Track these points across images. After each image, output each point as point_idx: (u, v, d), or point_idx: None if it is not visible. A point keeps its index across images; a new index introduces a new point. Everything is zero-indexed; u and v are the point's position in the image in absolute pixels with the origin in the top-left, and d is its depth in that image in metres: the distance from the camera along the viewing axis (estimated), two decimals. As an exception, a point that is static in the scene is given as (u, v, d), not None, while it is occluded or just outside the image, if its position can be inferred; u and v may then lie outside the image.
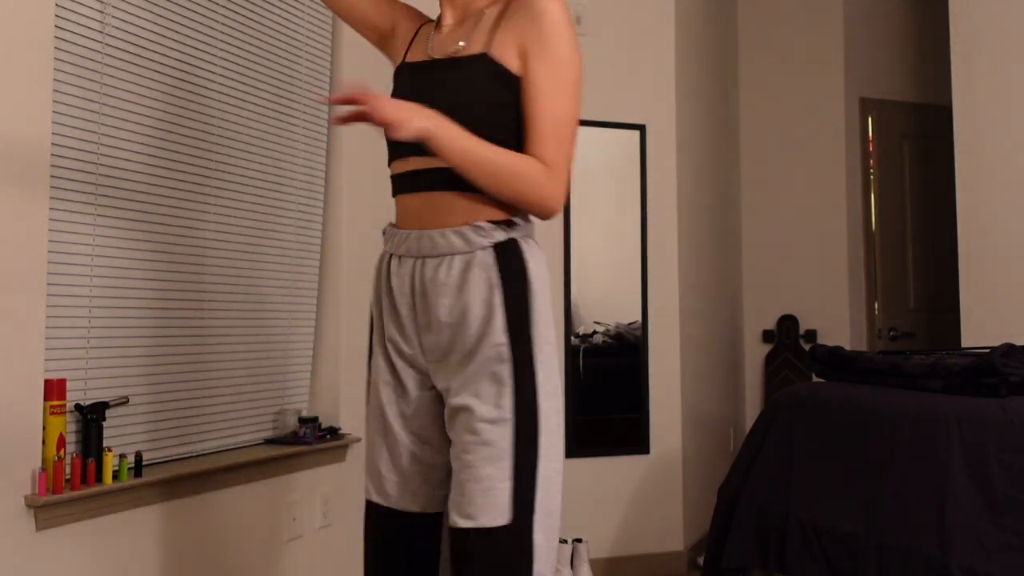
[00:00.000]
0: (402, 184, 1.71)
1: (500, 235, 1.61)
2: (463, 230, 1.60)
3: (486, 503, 1.54)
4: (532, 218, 1.68)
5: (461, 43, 1.68)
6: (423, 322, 1.64)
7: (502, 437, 1.56)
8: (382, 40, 1.91)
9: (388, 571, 1.70)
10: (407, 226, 1.69)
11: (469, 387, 1.59)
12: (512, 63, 1.62)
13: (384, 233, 1.76)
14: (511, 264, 1.60)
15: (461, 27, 1.71)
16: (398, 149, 1.68)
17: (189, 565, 2.43)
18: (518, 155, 1.60)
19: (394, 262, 1.69)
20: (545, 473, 1.58)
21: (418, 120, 1.54)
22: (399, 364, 1.69)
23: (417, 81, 1.71)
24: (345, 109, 1.81)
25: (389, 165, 1.75)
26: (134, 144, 2.36)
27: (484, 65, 1.62)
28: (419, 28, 1.83)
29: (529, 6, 1.62)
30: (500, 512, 1.54)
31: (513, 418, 1.56)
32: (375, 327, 1.75)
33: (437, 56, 1.71)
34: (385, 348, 1.71)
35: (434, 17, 1.84)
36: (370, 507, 1.73)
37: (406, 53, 1.80)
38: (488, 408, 1.56)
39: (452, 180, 1.61)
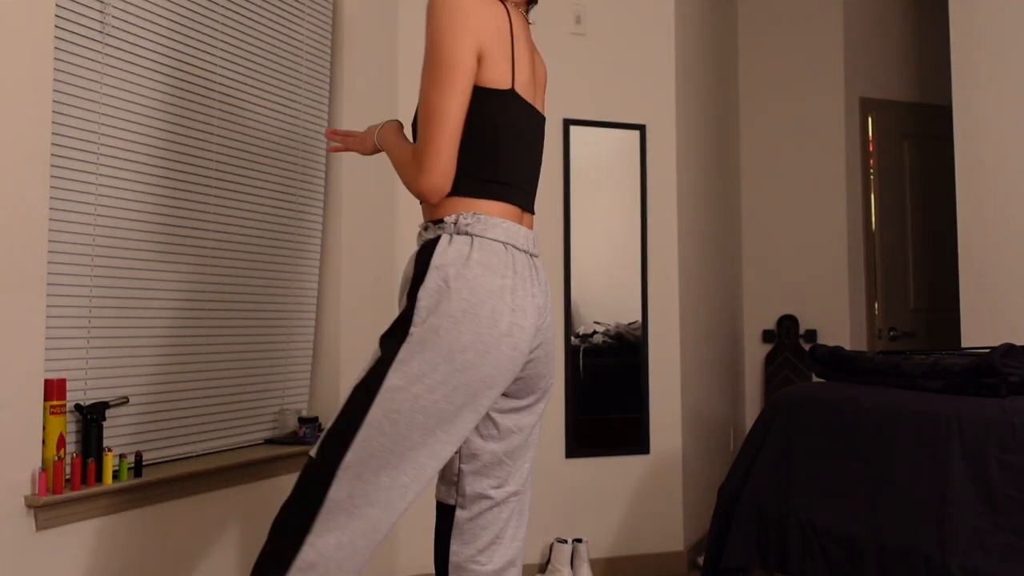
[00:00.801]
0: None
1: (430, 233, 1.77)
2: (419, 230, 1.83)
3: (321, 435, 1.73)
4: (480, 216, 1.75)
5: None
6: None
7: (342, 401, 1.72)
8: None
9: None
10: None
11: None
12: None
13: None
14: (423, 257, 1.74)
15: None
16: None
17: (189, 565, 2.43)
18: (408, 146, 1.79)
19: None
20: (368, 442, 1.66)
21: (368, 144, 1.96)
22: None
23: None
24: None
25: None
26: (134, 144, 2.36)
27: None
28: None
29: None
30: (314, 448, 1.72)
31: (352, 387, 1.71)
32: None
33: None
34: None
35: None
36: None
37: None
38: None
39: None
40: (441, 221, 1.75)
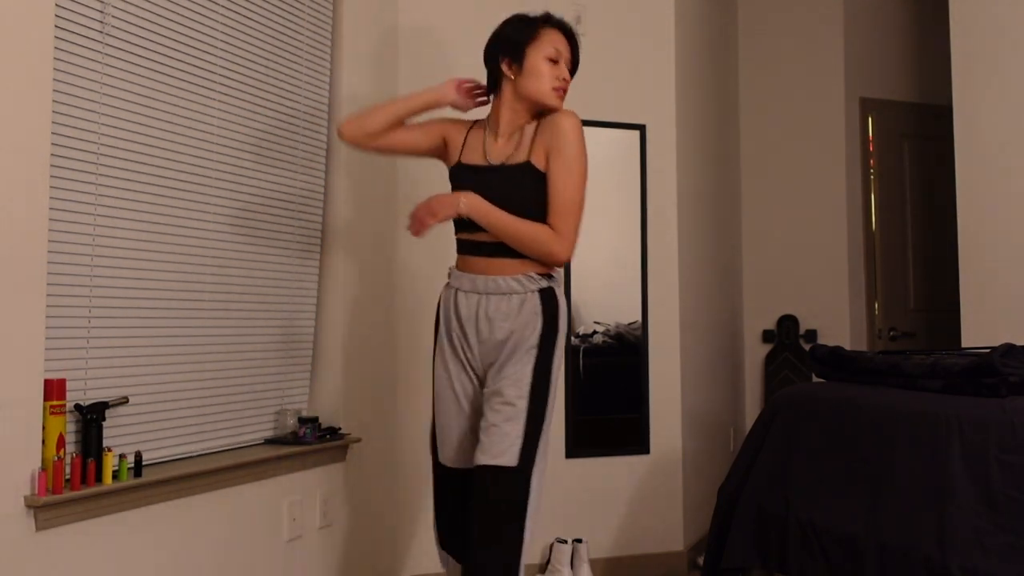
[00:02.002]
0: (471, 248, 2.40)
1: (544, 283, 2.37)
2: (519, 277, 2.35)
3: (502, 450, 2.23)
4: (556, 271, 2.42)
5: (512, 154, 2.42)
6: (483, 337, 2.35)
7: (521, 408, 2.26)
8: (438, 153, 2.57)
9: (448, 503, 2.48)
10: (473, 272, 2.39)
11: (507, 377, 2.30)
12: (541, 164, 2.36)
13: (451, 273, 2.46)
14: (549, 303, 2.36)
15: (510, 140, 2.43)
16: (466, 226, 2.38)
17: (189, 565, 2.43)
18: (534, 224, 2.33)
19: (460, 296, 2.39)
20: (544, 440, 2.30)
21: (459, 206, 2.33)
22: (466, 367, 2.41)
23: (481, 179, 2.39)
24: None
25: (456, 232, 2.44)
26: (134, 144, 2.36)
27: (527, 170, 2.36)
28: (467, 134, 2.50)
29: (553, 122, 2.38)
30: (511, 458, 2.23)
31: (528, 396, 2.28)
32: (445, 340, 2.43)
33: (494, 162, 2.42)
34: (456, 355, 2.41)
35: (470, 120, 2.55)
36: (439, 466, 2.50)
37: (461, 154, 2.47)
38: (514, 388, 2.28)
39: (505, 248, 2.34)
40: (550, 276, 2.39)
